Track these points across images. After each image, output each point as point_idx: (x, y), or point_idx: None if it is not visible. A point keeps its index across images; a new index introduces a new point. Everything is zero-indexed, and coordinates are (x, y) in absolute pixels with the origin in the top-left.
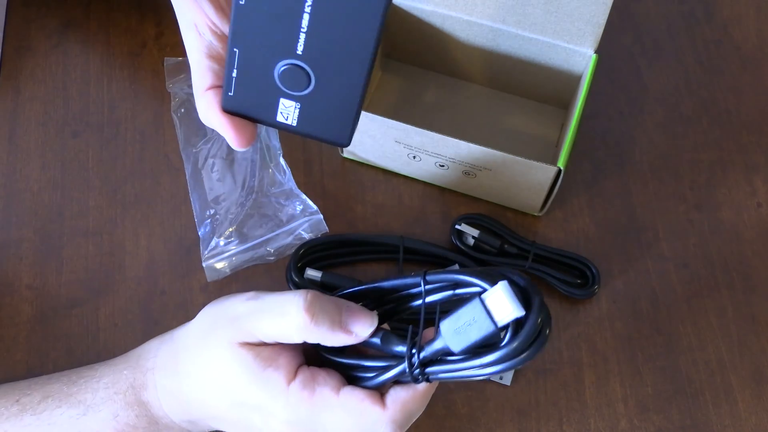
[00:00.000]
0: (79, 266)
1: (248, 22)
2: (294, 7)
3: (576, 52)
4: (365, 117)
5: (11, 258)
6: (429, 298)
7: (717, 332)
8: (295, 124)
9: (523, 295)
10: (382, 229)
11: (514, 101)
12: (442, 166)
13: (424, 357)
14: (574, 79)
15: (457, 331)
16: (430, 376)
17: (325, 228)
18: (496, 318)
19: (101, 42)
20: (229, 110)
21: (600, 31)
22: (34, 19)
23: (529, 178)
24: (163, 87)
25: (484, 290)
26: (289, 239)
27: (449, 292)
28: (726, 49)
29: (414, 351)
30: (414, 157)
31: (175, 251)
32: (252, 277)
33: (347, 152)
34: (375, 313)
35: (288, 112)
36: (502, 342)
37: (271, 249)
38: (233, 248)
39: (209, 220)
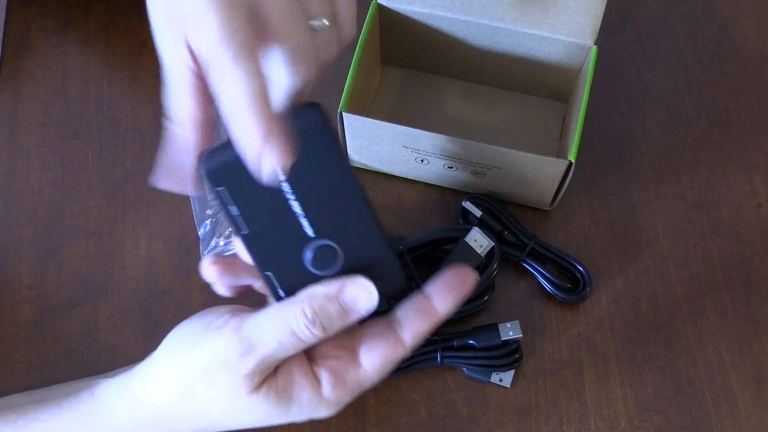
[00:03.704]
0: (79, 266)
1: (260, 243)
2: (281, 204)
3: (575, 45)
4: (370, 124)
5: (11, 258)
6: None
7: (717, 332)
8: None
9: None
10: None
11: (514, 98)
12: (451, 167)
13: None
14: (575, 73)
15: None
16: None
17: None
18: (479, 250)
19: (101, 42)
20: None
21: (598, 22)
22: (34, 19)
23: (539, 173)
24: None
25: (462, 236)
26: None
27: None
28: (726, 49)
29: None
30: (422, 161)
31: (175, 251)
32: None
33: (351, 161)
34: (370, 284)
35: None
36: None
37: None
38: (233, 248)
39: (209, 220)
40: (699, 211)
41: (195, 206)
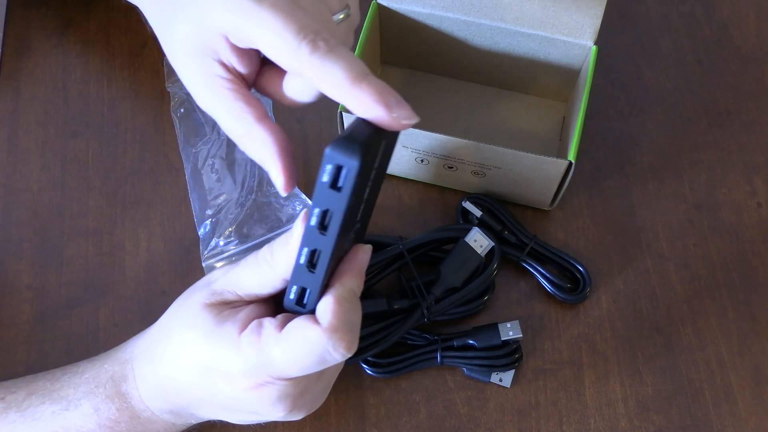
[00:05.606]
0: (79, 266)
1: (345, 227)
2: (364, 190)
3: (575, 45)
4: None
5: (11, 258)
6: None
7: (717, 332)
8: None
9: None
10: (382, 230)
11: (514, 98)
12: (451, 167)
13: (435, 297)
14: (575, 73)
15: (455, 268)
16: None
17: None
18: (479, 250)
19: (101, 42)
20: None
21: (598, 22)
22: (34, 19)
23: (539, 173)
24: (163, 87)
25: (462, 236)
26: None
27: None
28: (726, 49)
29: (425, 297)
30: (422, 161)
31: (175, 251)
32: None
33: None
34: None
35: None
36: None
37: None
38: (233, 248)
39: (209, 220)
40: (699, 211)
41: (195, 206)
